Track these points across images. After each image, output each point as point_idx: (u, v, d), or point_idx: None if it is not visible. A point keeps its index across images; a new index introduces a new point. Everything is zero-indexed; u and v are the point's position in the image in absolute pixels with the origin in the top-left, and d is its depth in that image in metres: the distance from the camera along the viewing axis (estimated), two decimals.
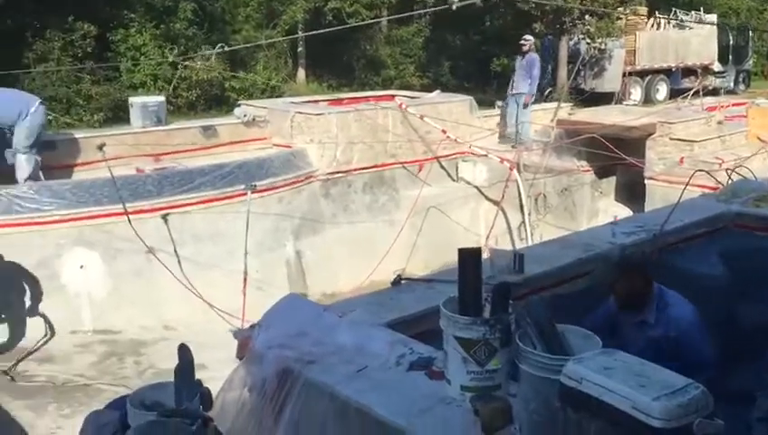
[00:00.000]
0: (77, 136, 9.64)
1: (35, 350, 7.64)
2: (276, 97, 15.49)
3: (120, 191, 8.21)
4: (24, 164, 8.32)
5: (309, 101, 12.17)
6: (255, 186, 9.08)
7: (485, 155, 11.68)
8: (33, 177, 8.40)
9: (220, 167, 9.40)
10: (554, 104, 13.55)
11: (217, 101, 17.40)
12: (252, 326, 3.78)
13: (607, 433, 2.21)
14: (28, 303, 7.90)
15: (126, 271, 8.38)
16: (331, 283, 10.06)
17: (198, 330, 8.14)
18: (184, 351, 3.32)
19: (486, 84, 21.61)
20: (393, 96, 12.65)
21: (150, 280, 8.41)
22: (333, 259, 10.30)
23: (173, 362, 4.38)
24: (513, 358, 2.83)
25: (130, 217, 8.14)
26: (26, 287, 7.88)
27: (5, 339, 7.65)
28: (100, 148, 8.76)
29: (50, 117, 10.18)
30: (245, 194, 9.13)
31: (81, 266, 8.18)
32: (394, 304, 4.12)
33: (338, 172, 10.67)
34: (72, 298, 8.13)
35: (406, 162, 11.48)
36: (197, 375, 3.33)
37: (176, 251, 8.54)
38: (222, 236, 9.07)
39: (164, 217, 8.55)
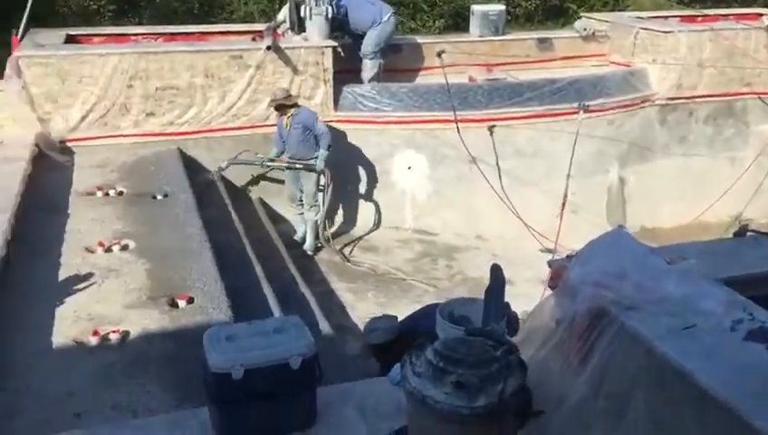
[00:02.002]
0: (420, 41, 9.99)
1: (357, 238, 8.38)
2: (619, 11, 14.42)
3: (451, 99, 8.38)
4: (368, 66, 8.88)
5: (657, 17, 11.08)
6: (588, 106, 8.62)
7: None
8: (375, 78, 8.96)
9: (551, 82, 9.09)
10: None
11: (555, 12, 16.78)
12: (568, 256, 3.59)
13: None
14: (362, 195, 8.62)
15: (448, 177, 8.66)
16: (652, 217, 9.40)
17: (509, 245, 8.20)
18: (496, 271, 3.27)
19: None
20: (759, 15, 10.94)
21: (469, 189, 8.60)
22: (659, 192, 9.54)
23: (481, 271, 4.40)
24: None
25: (459, 125, 8.30)
26: (362, 180, 8.59)
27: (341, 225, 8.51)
28: (439, 55, 8.95)
29: (399, 22, 10.64)
30: (574, 112, 8.73)
31: (409, 168, 8.63)
32: (735, 258, 3.61)
33: (679, 98, 9.69)
34: (397, 196, 8.67)
35: (764, 93, 10.00)
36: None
37: (497, 164, 8.57)
38: (543, 154, 8.88)
39: (490, 129, 8.57)
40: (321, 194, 7.90)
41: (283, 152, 7.84)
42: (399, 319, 4.52)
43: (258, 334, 2.98)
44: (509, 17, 10.83)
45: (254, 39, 8.71)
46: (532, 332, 3.45)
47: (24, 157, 6.78)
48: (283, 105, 7.63)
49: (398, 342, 4.17)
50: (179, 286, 4.89)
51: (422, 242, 8.44)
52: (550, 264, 3.63)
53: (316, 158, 7.65)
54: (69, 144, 7.54)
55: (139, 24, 12.30)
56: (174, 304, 4.67)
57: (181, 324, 4.41)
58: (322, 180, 7.84)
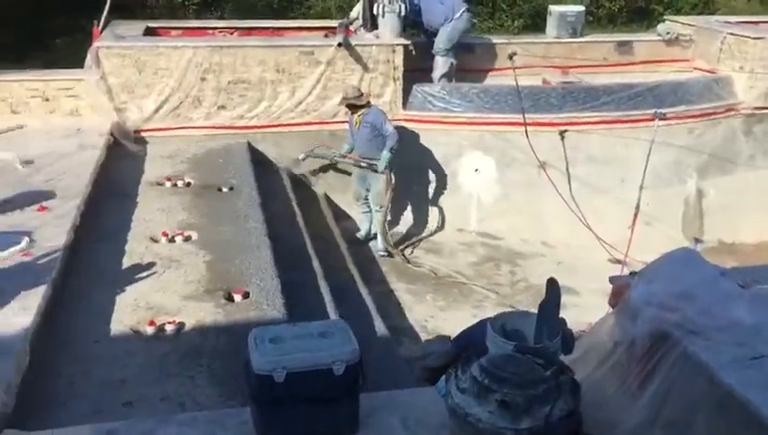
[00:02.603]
0: (493, 42, 9.79)
1: (420, 238, 8.30)
2: (708, 14, 13.82)
3: (522, 102, 8.19)
4: (440, 64, 8.78)
5: (748, 22, 10.54)
6: (664, 114, 8.28)
7: None
8: (447, 77, 8.84)
9: (629, 87, 8.78)
10: None
11: (640, 14, 16.23)
12: (632, 274, 3.42)
13: None
14: (428, 195, 8.52)
15: (516, 181, 8.46)
16: (731, 231, 8.96)
17: (576, 254, 7.97)
18: (552, 286, 3.13)
19: None
20: None
21: (538, 194, 8.38)
22: (740, 206, 9.07)
23: (545, 279, 4.25)
24: None
25: (528, 128, 8.11)
26: (429, 181, 8.49)
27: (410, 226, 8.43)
28: (511, 57, 8.76)
29: (474, 21, 10.45)
30: (651, 119, 8.41)
31: (476, 170, 8.48)
32: None
33: (767, 108, 9.19)
34: (463, 198, 8.53)
35: None
36: (567, 299, 3.12)
37: (567, 169, 8.33)
38: (617, 162, 8.58)
39: (561, 134, 8.34)
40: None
41: (353, 149, 7.82)
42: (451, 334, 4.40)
43: (303, 337, 2.93)
44: (590, 18, 10.48)
45: (326, 35, 8.74)
46: (588, 351, 3.29)
47: (99, 145, 6.98)
48: (354, 105, 7.60)
49: (452, 363, 4.06)
50: (236, 280, 4.93)
51: (486, 246, 8.27)
52: (611, 280, 3.45)
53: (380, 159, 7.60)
54: (143, 134, 7.74)
55: (221, 18, 12.55)
56: (230, 298, 4.70)
57: (235, 319, 4.43)
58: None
